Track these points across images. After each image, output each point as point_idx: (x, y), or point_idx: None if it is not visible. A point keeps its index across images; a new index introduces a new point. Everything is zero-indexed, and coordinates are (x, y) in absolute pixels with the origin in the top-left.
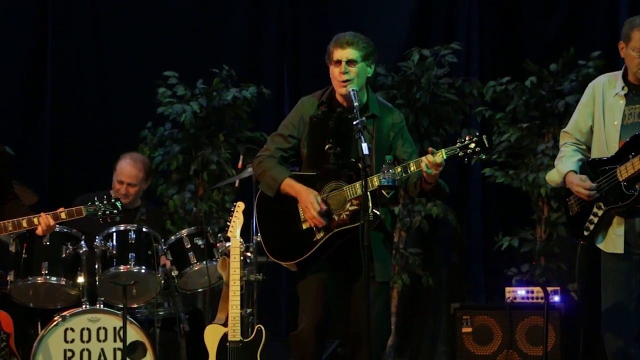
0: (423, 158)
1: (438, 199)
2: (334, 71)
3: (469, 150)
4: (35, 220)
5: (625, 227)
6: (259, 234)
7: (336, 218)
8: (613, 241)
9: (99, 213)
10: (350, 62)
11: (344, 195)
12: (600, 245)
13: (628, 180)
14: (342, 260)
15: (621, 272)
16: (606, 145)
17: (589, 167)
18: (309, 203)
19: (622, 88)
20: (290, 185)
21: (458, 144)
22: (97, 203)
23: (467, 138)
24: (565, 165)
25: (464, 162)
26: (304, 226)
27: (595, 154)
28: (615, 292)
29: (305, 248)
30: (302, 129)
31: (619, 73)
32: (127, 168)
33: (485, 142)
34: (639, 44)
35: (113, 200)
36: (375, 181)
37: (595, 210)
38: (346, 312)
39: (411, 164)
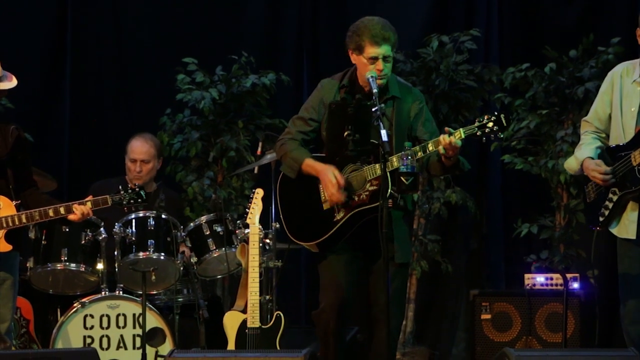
0: (440, 138)
1: (458, 174)
2: (368, 67)
3: (487, 129)
4: (62, 209)
5: (639, 212)
6: (280, 218)
7: (356, 198)
8: (626, 227)
9: (124, 202)
10: (386, 57)
11: (364, 175)
12: (614, 231)
13: None
14: (362, 241)
15: (636, 258)
16: (623, 131)
17: (608, 154)
18: (328, 180)
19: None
20: (311, 165)
21: (477, 123)
22: (122, 192)
23: (485, 117)
24: (583, 152)
25: (481, 141)
26: (325, 207)
27: (613, 140)
28: (632, 277)
29: (326, 228)
30: (322, 112)
31: (638, 61)
32: (138, 145)
33: (503, 121)
34: None
35: (138, 189)
36: (395, 161)
37: (610, 195)
38: (365, 297)
39: (430, 144)
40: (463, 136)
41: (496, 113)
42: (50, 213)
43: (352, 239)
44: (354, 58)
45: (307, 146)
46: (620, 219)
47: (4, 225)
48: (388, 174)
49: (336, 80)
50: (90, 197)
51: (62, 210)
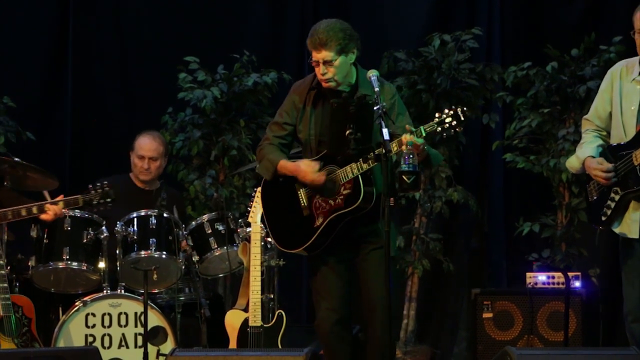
0: (402, 137)
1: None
2: (315, 68)
3: (446, 125)
4: (35, 209)
5: None
6: (266, 226)
7: (332, 203)
8: (629, 226)
9: (94, 202)
10: (326, 62)
11: (338, 179)
12: (617, 230)
13: None
14: (346, 241)
15: (638, 257)
16: (624, 130)
17: (609, 152)
18: (303, 169)
19: (639, 73)
20: (284, 166)
21: (435, 120)
22: (92, 192)
23: (444, 113)
24: (584, 151)
25: (442, 137)
26: (305, 213)
27: (614, 139)
28: (634, 276)
29: (308, 235)
30: (295, 115)
31: (637, 59)
32: (147, 142)
33: (461, 115)
34: (637, 24)
35: (107, 189)
36: (362, 163)
37: (612, 195)
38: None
39: (394, 144)
40: (424, 134)
41: (454, 107)
42: (23, 212)
43: (337, 241)
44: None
45: (287, 150)
46: (622, 218)
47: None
48: (360, 177)
49: (307, 82)
50: (61, 197)
51: (34, 209)
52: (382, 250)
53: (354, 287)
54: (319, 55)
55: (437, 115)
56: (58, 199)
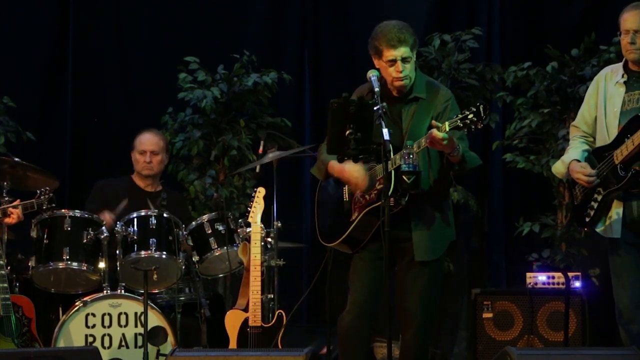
0: (428, 133)
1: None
2: (388, 70)
3: (467, 121)
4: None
5: (622, 211)
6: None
7: (367, 197)
8: (611, 226)
9: (43, 206)
10: (404, 59)
11: (375, 174)
12: (600, 231)
13: (623, 162)
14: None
15: (625, 256)
16: (607, 132)
17: (594, 155)
18: (348, 172)
19: (622, 76)
20: (332, 166)
21: (459, 116)
22: (41, 197)
23: (467, 110)
24: (569, 155)
25: (465, 132)
26: (345, 207)
27: (598, 143)
28: (624, 276)
29: (344, 228)
30: None
31: (621, 63)
32: (148, 137)
33: (481, 112)
34: (622, 25)
35: (51, 195)
36: (397, 160)
37: (595, 195)
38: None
39: (422, 140)
40: (448, 129)
41: (477, 104)
42: None
43: (376, 237)
44: (376, 63)
45: None
46: (605, 218)
47: None
48: (392, 172)
49: (366, 87)
50: (18, 201)
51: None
52: (416, 257)
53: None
54: (397, 53)
55: (460, 111)
56: (16, 202)
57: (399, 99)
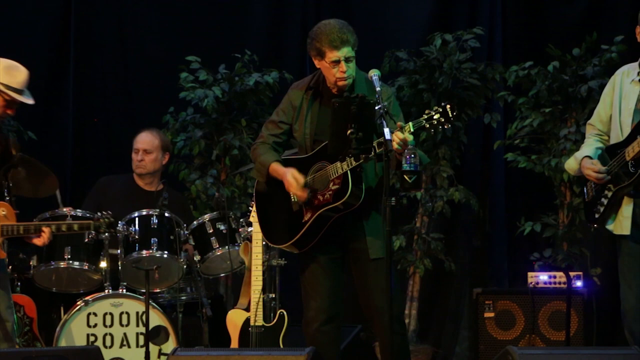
0: (394, 135)
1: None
2: (331, 70)
3: (434, 121)
4: (32, 227)
5: (632, 208)
6: (259, 222)
7: (321, 198)
8: (621, 223)
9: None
10: (347, 58)
11: (327, 175)
12: (610, 227)
13: (635, 159)
14: (336, 240)
15: (633, 255)
16: (621, 130)
17: (607, 153)
18: (288, 181)
19: (638, 74)
20: (274, 169)
21: (424, 116)
22: (101, 220)
23: (433, 110)
24: (582, 152)
25: (430, 132)
26: (294, 208)
27: (612, 140)
28: (631, 275)
29: (296, 230)
30: (291, 114)
31: (638, 62)
32: (142, 136)
33: (449, 112)
34: None
35: (112, 220)
36: (351, 161)
37: (605, 192)
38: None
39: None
40: (412, 130)
41: (443, 104)
42: (21, 230)
43: (327, 239)
44: (317, 63)
45: (281, 149)
46: (615, 215)
47: (8, 233)
48: (349, 172)
49: (305, 82)
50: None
51: (32, 229)
52: (370, 254)
53: (350, 287)
54: (341, 54)
55: (425, 112)
56: (64, 222)
57: (339, 97)
